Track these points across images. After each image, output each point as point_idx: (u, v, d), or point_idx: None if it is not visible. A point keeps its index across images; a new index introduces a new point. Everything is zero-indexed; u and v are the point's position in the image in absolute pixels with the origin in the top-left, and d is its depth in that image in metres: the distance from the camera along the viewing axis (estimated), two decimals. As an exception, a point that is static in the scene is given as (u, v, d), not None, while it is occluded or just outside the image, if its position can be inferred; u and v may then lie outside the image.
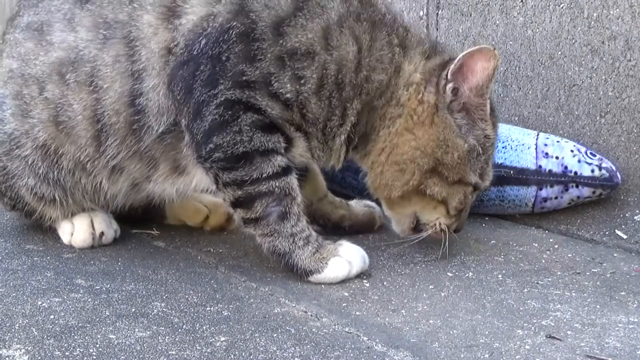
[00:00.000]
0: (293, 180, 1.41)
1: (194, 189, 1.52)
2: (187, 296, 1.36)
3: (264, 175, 1.37)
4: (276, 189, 1.39)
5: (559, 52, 1.82)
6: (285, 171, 1.40)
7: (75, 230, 1.60)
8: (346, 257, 1.42)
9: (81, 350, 1.14)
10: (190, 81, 1.36)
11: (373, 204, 1.73)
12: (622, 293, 1.40)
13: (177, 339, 1.18)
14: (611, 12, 1.71)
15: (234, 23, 1.36)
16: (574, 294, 1.39)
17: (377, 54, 1.45)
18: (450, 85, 1.45)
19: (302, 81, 1.39)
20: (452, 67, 1.44)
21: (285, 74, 1.37)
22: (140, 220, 1.72)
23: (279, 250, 1.41)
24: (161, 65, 1.40)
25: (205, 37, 1.37)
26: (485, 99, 1.47)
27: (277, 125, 1.40)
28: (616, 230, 1.70)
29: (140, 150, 1.45)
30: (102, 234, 1.61)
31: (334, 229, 1.67)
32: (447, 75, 1.45)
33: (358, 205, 1.73)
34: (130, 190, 1.55)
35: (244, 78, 1.36)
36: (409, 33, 1.51)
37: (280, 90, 1.38)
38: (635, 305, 1.35)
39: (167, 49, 1.40)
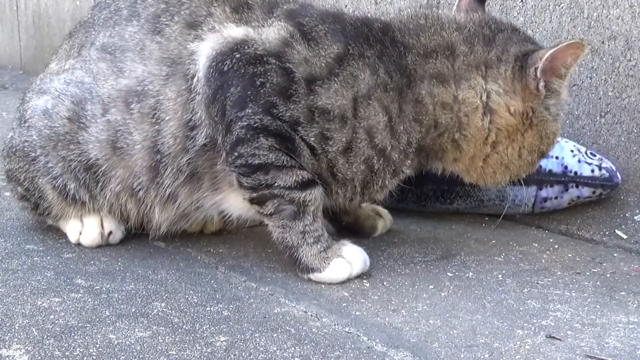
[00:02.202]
0: (310, 195, 1.41)
1: (229, 212, 1.53)
2: (187, 296, 1.36)
3: (276, 184, 1.39)
4: (286, 195, 1.40)
5: (559, 52, 1.81)
6: (304, 186, 1.41)
7: (85, 230, 1.60)
8: (348, 258, 1.43)
9: (81, 350, 1.14)
10: (224, 102, 1.39)
11: (383, 211, 1.72)
12: (622, 293, 1.40)
13: (177, 339, 1.18)
14: (611, 12, 1.71)
15: (272, 60, 1.39)
16: (574, 294, 1.39)
17: (411, 116, 1.44)
18: (542, 83, 1.44)
19: (330, 142, 1.41)
20: (541, 66, 1.42)
21: (312, 129, 1.40)
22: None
23: (288, 242, 1.42)
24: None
25: (239, 53, 1.39)
26: (567, 76, 1.47)
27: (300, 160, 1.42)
28: (616, 230, 1.70)
29: (189, 168, 1.46)
30: (110, 233, 1.61)
31: (332, 219, 1.66)
32: (536, 75, 1.43)
33: (366, 209, 1.71)
34: (178, 219, 1.55)
35: (274, 111, 1.38)
36: (463, 56, 1.46)
37: (305, 139, 1.40)
38: (635, 305, 1.35)
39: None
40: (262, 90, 1.38)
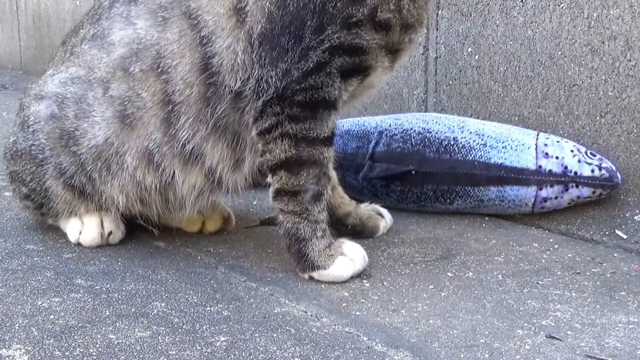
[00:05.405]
0: (332, 153, 1.44)
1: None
2: (187, 296, 1.36)
3: (321, 137, 1.40)
4: (325, 159, 1.41)
5: (559, 52, 1.82)
6: (331, 139, 1.42)
7: (85, 229, 1.61)
8: (350, 256, 1.43)
9: (81, 350, 1.14)
10: (299, 32, 1.37)
11: (383, 211, 1.73)
12: (622, 293, 1.40)
13: (177, 339, 1.18)
14: (611, 12, 1.71)
15: None
16: (574, 294, 1.39)
17: None
18: None
19: None
20: None
21: (390, 1, 1.39)
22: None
23: (300, 234, 1.42)
24: (232, 25, 1.40)
25: None
26: None
27: (365, 63, 1.42)
28: (616, 230, 1.70)
29: (214, 119, 1.44)
30: (110, 233, 1.61)
31: (336, 223, 1.65)
32: None
33: (366, 209, 1.71)
34: (206, 189, 1.52)
35: (353, 20, 1.38)
36: None
37: (384, 16, 1.40)
38: (635, 305, 1.35)
39: (235, 8, 1.40)
40: (334, 12, 1.36)
